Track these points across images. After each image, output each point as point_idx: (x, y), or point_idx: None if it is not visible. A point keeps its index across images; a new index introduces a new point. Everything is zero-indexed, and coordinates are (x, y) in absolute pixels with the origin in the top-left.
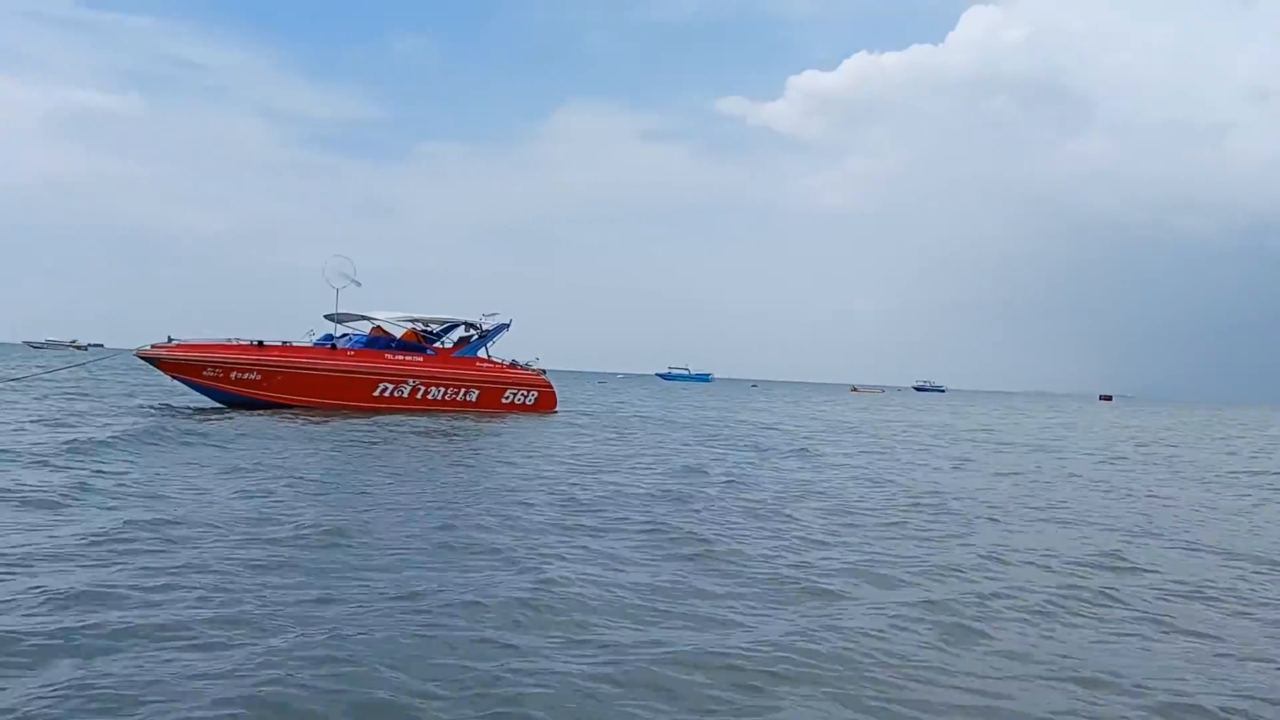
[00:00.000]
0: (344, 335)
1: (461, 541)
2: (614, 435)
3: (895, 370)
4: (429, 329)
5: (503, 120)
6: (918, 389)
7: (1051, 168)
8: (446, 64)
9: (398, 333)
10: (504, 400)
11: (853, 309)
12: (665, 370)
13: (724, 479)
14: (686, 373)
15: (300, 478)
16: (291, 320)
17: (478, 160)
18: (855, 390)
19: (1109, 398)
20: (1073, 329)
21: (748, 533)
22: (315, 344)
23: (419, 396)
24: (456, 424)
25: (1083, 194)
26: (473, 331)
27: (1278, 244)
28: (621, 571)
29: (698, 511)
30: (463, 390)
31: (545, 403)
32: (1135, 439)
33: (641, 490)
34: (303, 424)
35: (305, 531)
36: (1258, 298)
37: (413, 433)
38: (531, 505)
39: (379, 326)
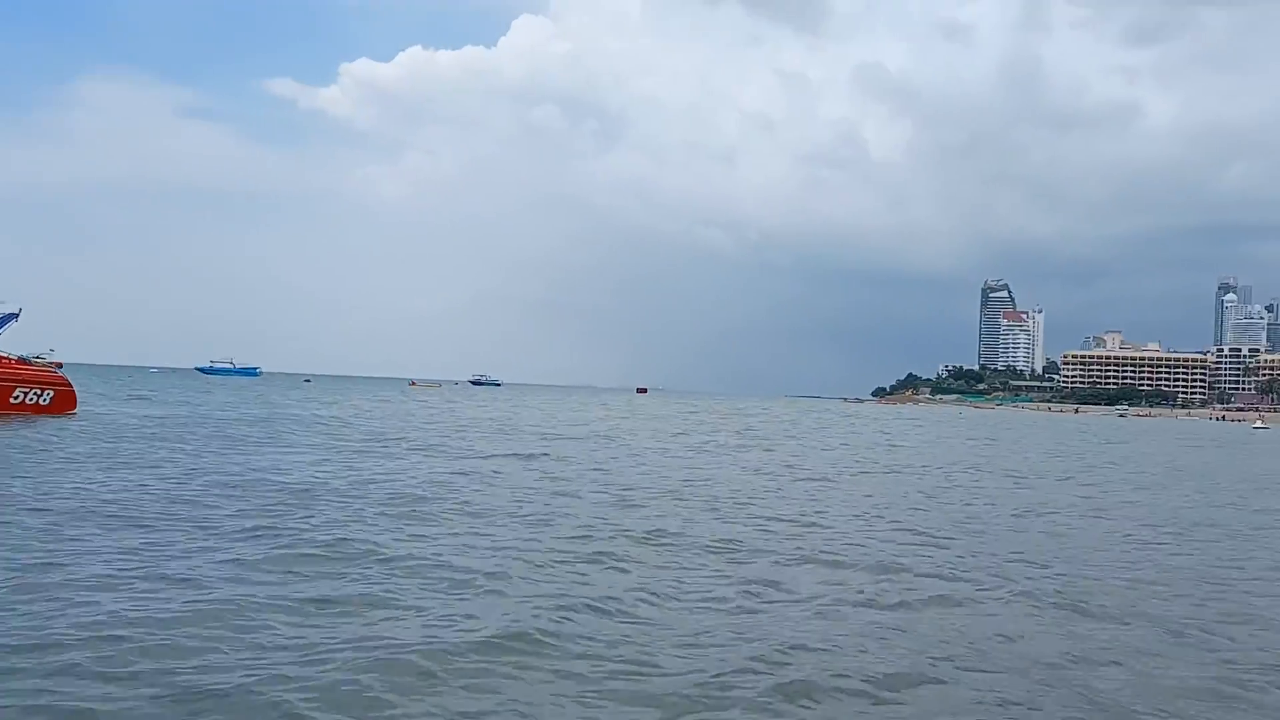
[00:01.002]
0: None
1: None
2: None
3: (453, 365)
4: None
5: (11, 85)
6: (474, 383)
7: (593, 178)
8: None
9: None
10: (13, 400)
11: (413, 304)
12: (207, 364)
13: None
14: (230, 366)
15: None
16: None
17: None
18: (414, 385)
19: (644, 390)
20: (615, 328)
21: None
22: None
23: None
24: None
25: (621, 204)
26: None
27: (778, 257)
28: None
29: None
30: None
31: (63, 403)
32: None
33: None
34: None
35: None
36: (763, 304)
37: None
38: None
39: None
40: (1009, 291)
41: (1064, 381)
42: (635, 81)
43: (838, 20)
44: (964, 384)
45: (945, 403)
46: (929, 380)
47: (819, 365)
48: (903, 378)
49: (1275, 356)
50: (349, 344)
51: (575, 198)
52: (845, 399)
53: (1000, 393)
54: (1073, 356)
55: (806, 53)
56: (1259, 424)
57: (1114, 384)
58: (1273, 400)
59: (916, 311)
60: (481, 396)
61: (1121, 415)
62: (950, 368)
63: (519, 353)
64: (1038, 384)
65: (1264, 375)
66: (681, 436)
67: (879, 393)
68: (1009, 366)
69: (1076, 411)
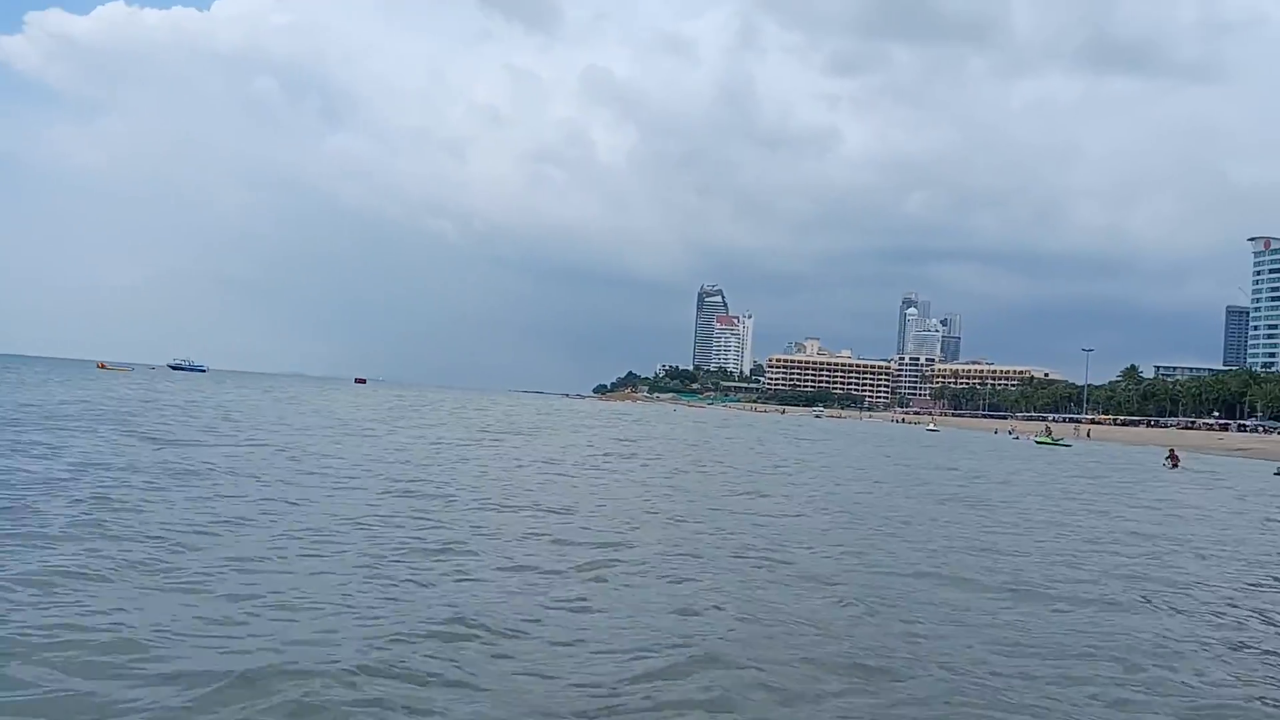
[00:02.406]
0: None
1: None
2: None
3: (150, 347)
4: None
5: None
6: (174, 367)
7: (314, 157)
8: None
9: None
10: None
11: (106, 280)
12: None
13: None
14: None
15: None
16: None
17: None
18: (103, 367)
19: (363, 380)
20: (331, 315)
21: None
22: None
23: None
24: None
25: (344, 186)
26: None
27: (506, 252)
28: None
29: None
30: None
31: None
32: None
33: None
34: None
35: None
36: (490, 298)
37: None
38: None
39: None
40: (723, 297)
41: (769, 383)
42: (363, 63)
43: (569, 24)
44: (679, 383)
45: (661, 400)
46: (648, 379)
47: (543, 361)
48: (623, 376)
49: (948, 366)
50: (26, 321)
51: (294, 176)
52: (568, 395)
53: (712, 392)
54: (777, 360)
55: (537, 52)
56: (931, 426)
57: (812, 387)
58: (944, 405)
59: (637, 313)
60: (190, 382)
61: (817, 416)
62: (667, 367)
63: (226, 336)
64: (746, 385)
65: (938, 382)
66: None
67: (600, 390)
68: (720, 368)
69: (784, 412)
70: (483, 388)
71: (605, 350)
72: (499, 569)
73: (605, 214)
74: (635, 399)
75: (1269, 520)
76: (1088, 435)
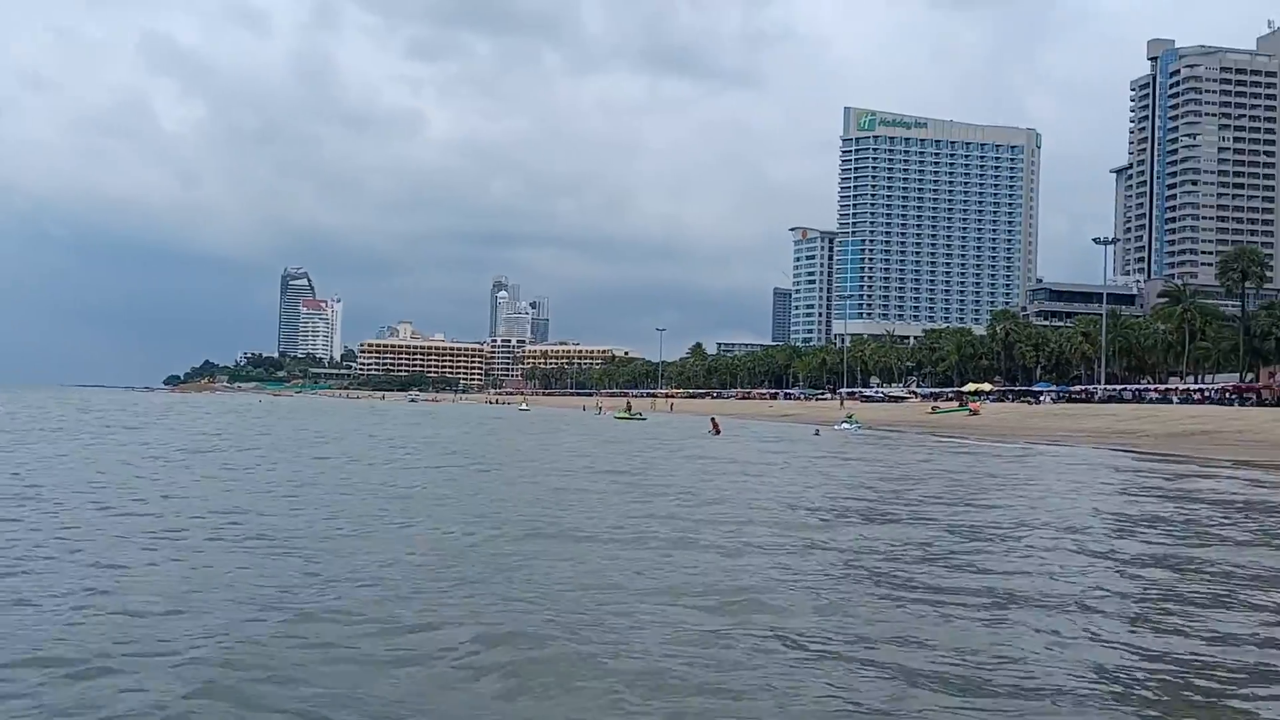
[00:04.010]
0: None
1: None
2: None
3: None
4: None
5: None
6: None
7: None
8: None
9: None
10: None
11: None
12: None
13: None
14: None
15: None
16: None
17: None
18: None
19: None
20: None
21: None
22: None
23: None
24: None
25: None
26: None
27: (53, 228)
28: None
29: None
30: None
31: None
32: None
33: None
34: None
35: None
36: (32, 279)
37: None
38: None
39: None
40: (309, 280)
41: (361, 369)
42: None
43: None
44: (264, 371)
45: (244, 390)
46: (228, 368)
47: (103, 350)
48: (199, 365)
49: (538, 347)
50: None
51: None
52: (134, 388)
53: (300, 380)
54: (369, 345)
55: (85, 10)
56: (524, 406)
57: (406, 371)
58: (535, 385)
59: (213, 296)
60: None
61: (412, 401)
62: (249, 355)
63: None
64: (337, 371)
65: (529, 363)
66: None
67: (173, 381)
68: (309, 354)
69: (384, 398)
70: (22, 381)
71: (178, 337)
72: None
73: (173, 189)
74: (214, 390)
75: (762, 462)
76: (670, 409)
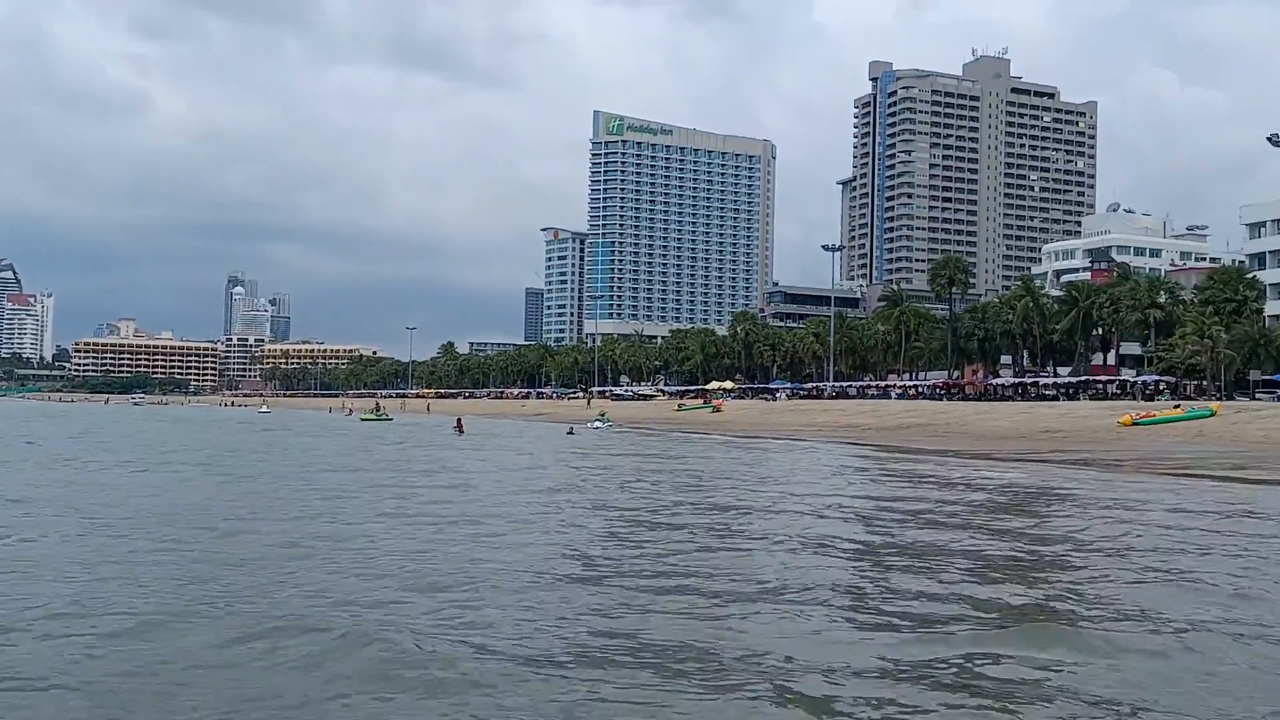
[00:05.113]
0: None
1: None
2: None
3: None
4: None
5: None
6: None
7: None
8: None
9: None
10: None
11: None
12: None
13: None
14: None
15: None
16: None
17: None
18: None
19: None
20: None
21: None
22: None
23: None
24: None
25: None
26: None
27: None
28: None
29: None
30: None
31: None
32: None
33: None
34: None
35: None
36: None
37: None
38: None
39: None
40: (14, 272)
41: (77, 369)
42: None
43: None
44: None
45: None
46: None
47: None
48: None
49: (279, 346)
50: None
51: None
52: None
53: (5, 382)
54: (86, 344)
55: None
56: (264, 408)
57: (129, 372)
58: (276, 385)
59: None
60: None
61: (136, 403)
62: None
63: None
64: (48, 372)
65: (269, 363)
66: None
67: None
68: (15, 354)
69: (107, 401)
70: None
71: None
72: None
73: None
74: None
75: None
76: (427, 410)
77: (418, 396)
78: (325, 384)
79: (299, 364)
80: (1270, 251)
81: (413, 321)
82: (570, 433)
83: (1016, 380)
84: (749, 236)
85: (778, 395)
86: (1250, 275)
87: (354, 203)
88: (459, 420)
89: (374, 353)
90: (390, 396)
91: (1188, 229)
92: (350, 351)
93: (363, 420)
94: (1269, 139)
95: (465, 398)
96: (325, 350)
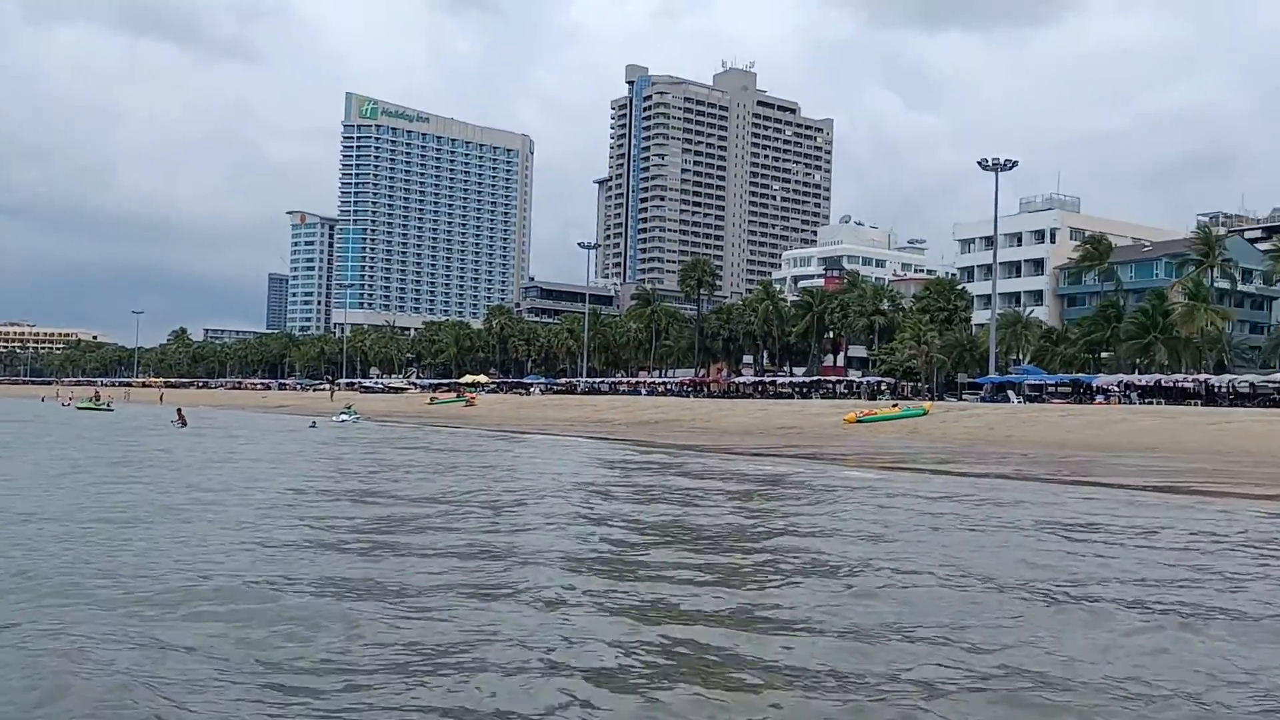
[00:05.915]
0: None
1: None
2: None
3: None
4: None
5: None
6: None
7: None
8: None
9: None
10: None
11: None
12: None
13: None
14: None
15: None
16: None
17: None
18: None
19: None
20: None
21: None
22: None
23: None
24: None
25: None
26: None
27: None
28: None
29: None
30: None
31: None
32: None
33: None
34: None
35: None
36: None
37: None
38: None
39: None
40: None
41: None
42: None
43: None
44: None
45: None
46: None
47: None
48: None
49: None
50: None
51: None
52: None
53: None
54: None
55: None
56: None
57: None
58: None
59: None
60: None
61: None
62: None
63: None
64: None
65: None
66: None
67: None
68: None
69: None
70: None
71: None
72: None
73: None
74: None
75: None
76: (160, 400)
77: (144, 385)
78: (37, 370)
79: (7, 348)
80: (978, 265)
81: (141, 306)
82: (313, 426)
83: (756, 379)
84: (506, 230)
85: (532, 390)
86: (960, 286)
87: (78, 179)
88: (179, 411)
89: (94, 337)
90: (113, 385)
91: (909, 242)
92: (67, 335)
93: (79, 409)
94: (979, 163)
95: (199, 387)
96: (38, 334)
